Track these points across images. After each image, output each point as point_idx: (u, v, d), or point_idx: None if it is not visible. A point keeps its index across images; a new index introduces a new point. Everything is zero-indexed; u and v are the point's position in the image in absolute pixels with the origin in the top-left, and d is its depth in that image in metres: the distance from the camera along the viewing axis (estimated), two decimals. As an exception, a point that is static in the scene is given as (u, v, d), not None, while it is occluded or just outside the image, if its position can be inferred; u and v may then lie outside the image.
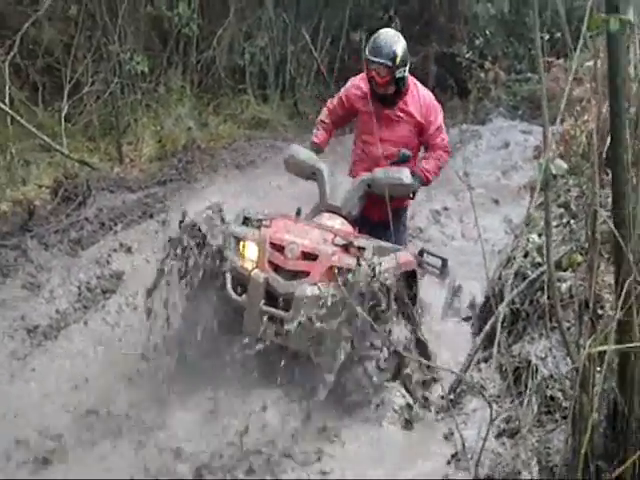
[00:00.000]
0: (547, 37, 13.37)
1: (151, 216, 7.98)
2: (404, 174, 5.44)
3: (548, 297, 5.00)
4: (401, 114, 5.71)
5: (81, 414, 4.88)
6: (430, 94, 5.85)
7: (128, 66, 10.17)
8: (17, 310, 6.09)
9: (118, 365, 5.37)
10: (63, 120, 9.18)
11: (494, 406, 4.54)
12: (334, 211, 5.41)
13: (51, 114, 9.46)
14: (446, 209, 8.71)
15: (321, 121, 5.97)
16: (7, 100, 8.39)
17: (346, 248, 4.93)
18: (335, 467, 4.36)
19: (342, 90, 5.98)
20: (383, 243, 5.15)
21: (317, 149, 5.85)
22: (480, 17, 14.28)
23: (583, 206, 5.47)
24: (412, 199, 5.82)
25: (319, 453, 4.45)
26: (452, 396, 4.90)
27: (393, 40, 5.57)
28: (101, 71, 9.99)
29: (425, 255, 6.23)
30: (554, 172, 2.62)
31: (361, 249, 4.89)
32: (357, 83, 5.88)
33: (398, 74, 5.54)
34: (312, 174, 5.57)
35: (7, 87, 8.49)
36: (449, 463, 4.24)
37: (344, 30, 13.62)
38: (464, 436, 4.21)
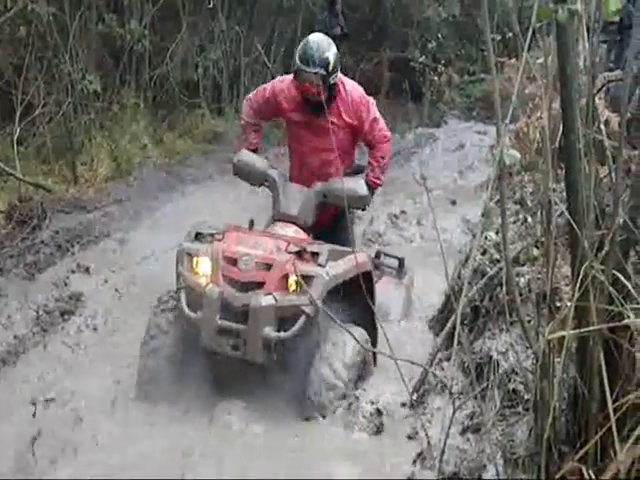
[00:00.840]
0: (499, 37, 13.54)
1: (108, 235, 7.94)
2: (360, 186, 5.41)
3: (507, 292, 5.07)
4: (334, 120, 5.40)
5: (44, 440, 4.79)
6: (357, 88, 5.56)
7: (80, 86, 10.06)
8: (-26, 338, 6.00)
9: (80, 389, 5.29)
10: (15, 143, 9.05)
11: (457, 403, 4.56)
12: (288, 220, 5.37)
13: (3, 138, 9.34)
14: (404, 212, 8.73)
15: (249, 123, 5.72)
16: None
17: (300, 255, 4.92)
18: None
19: (265, 88, 5.67)
20: (337, 247, 5.14)
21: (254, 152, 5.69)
22: (432, 21, 14.38)
23: (538, 201, 5.50)
24: (364, 210, 5.74)
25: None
26: (415, 395, 4.88)
27: (324, 46, 5.29)
28: (53, 92, 9.87)
29: (382, 257, 6.23)
30: (508, 162, 2.62)
31: (315, 254, 4.89)
32: (285, 86, 5.56)
33: (332, 80, 5.29)
34: (264, 180, 5.49)
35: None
36: (415, 462, 4.20)
37: (297, 40, 13.64)
38: (429, 435, 4.23)
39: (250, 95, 5.78)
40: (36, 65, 9.89)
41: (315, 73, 5.18)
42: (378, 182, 5.61)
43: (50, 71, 9.89)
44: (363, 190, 5.39)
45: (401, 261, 6.17)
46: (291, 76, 5.48)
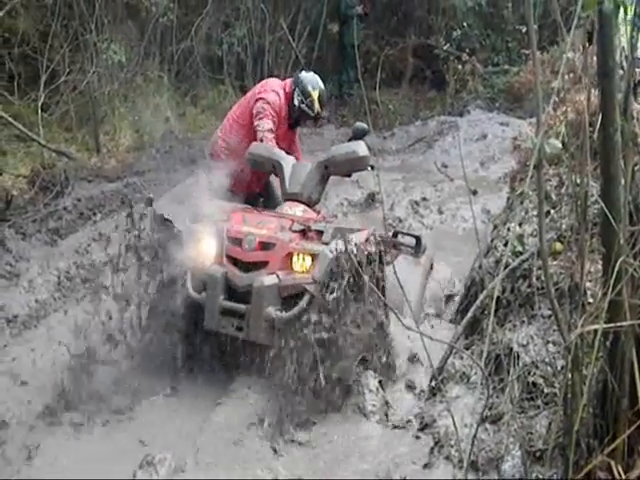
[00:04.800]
0: (524, 29, 13.45)
1: (130, 206, 7.94)
2: (360, 147, 5.42)
3: (529, 285, 5.06)
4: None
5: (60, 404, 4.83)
6: None
7: (105, 55, 10.08)
8: (-4, 300, 6.03)
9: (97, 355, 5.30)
10: (40, 110, 9.08)
11: (476, 394, 4.56)
12: (295, 199, 5.38)
13: (27, 104, 9.37)
14: (425, 199, 8.70)
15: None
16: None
17: (304, 233, 4.89)
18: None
19: (274, 103, 6.07)
20: (343, 225, 5.11)
21: None
22: (458, 9, 14.24)
23: (562, 196, 5.49)
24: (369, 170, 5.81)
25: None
26: (434, 383, 4.86)
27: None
28: (78, 61, 9.90)
29: (399, 235, 6.11)
30: (548, 151, 2.61)
31: (319, 233, 4.86)
32: (282, 104, 6.09)
33: None
34: (272, 167, 5.54)
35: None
36: (432, 451, 4.19)
37: (322, 21, 13.63)
38: (446, 424, 4.23)
39: (266, 110, 6.02)
40: (62, 33, 9.92)
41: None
42: None
43: (75, 40, 9.92)
44: (363, 151, 5.40)
45: (418, 239, 6.02)
46: (279, 93, 6.11)
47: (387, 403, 4.74)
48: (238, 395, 4.71)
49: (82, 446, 4.46)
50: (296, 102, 6.06)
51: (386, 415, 4.67)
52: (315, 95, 6.03)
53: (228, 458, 4.25)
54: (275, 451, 4.31)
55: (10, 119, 8.41)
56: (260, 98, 6.06)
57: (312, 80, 6.12)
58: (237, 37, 12.39)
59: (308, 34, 13.54)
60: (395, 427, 4.57)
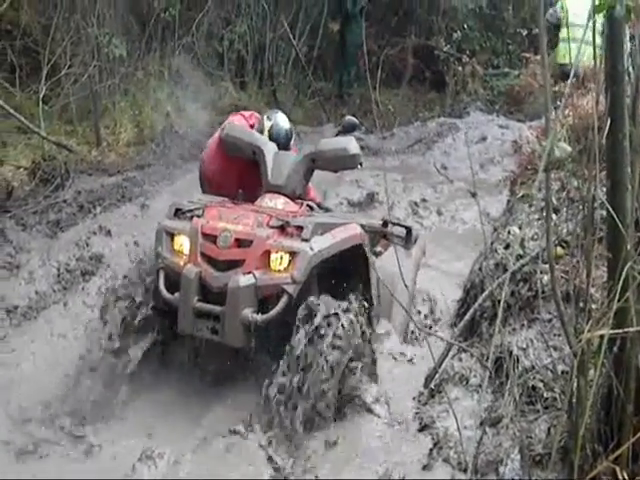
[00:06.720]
0: (525, 33, 13.51)
1: (130, 200, 7.97)
2: (351, 144, 5.20)
3: (529, 289, 5.07)
4: None
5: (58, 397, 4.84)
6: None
7: (106, 49, 10.05)
8: (-4, 290, 6.03)
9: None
10: (41, 102, 9.04)
11: (475, 396, 4.58)
12: (277, 191, 5.11)
13: (28, 96, 9.34)
14: (424, 201, 8.71)
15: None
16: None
17: (283, 229, 4.64)
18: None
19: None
20: (327, 219, 4.92)
21: None
22: (459, 11, 14.29)
23: (564, 200, 5.49)
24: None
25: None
26: (432, 384, 4.87)
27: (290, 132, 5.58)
28: (79, 54, 9.86)
29: (390, 226, 5.90)
30: (558, 154, 2.64)
31: (299, 228, 4.61)
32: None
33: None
34: (252, 153, 5.23)
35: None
36: (431, 453, 4.19)
37: (323, 19, 13.64)
38: (445, 426, 4.24)
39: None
40: (63, 26, 9.87)
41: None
42: None
43: (77, 33, 9.87)
44: (355, 148, 5.18)
45: (409, 230, 5.70)
46: (243, 119, 5.74)
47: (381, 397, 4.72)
48: (237, 391, 4.72)
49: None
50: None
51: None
52: (267, 125, 5.46)
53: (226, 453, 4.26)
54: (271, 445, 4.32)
55: (11, 111, 8.36)
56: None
57: (274, 113, 5.64)
58: (238, 34, 12.38)
59: (309, 33, 13.53)
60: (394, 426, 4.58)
